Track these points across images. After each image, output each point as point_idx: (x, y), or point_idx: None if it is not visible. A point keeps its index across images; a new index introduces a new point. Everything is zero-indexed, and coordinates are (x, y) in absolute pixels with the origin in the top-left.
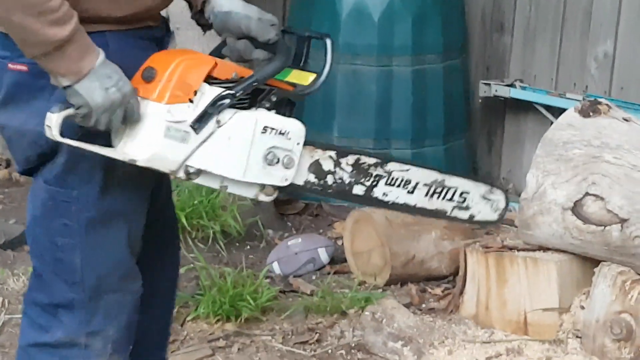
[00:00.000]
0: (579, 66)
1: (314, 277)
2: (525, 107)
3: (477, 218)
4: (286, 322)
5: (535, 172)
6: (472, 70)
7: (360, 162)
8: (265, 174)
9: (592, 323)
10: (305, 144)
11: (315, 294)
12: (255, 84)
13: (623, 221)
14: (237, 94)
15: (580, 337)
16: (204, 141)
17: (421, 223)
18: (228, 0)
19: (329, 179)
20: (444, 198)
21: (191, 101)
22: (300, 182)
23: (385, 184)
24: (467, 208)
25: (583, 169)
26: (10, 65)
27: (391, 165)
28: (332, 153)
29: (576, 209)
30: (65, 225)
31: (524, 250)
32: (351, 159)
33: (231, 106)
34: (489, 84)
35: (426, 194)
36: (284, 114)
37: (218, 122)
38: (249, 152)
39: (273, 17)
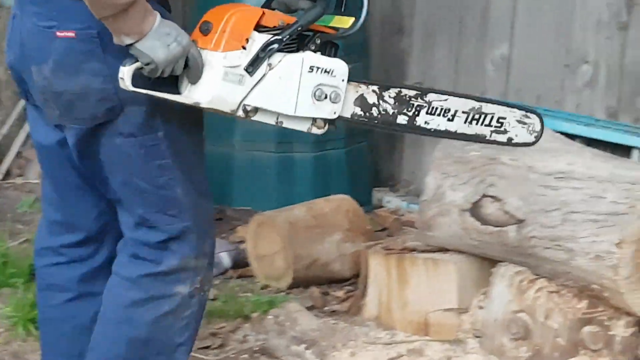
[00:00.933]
0: (476, 68)
1: (216, 282)
2: None
3: (515, 141)
4: None
5: (435, 174)
6: (372, 72)
7: (402, 94)
8: (315, 109)
9: (491, 323)
10: (350, 80)
11: (217, 299)
12: (300, 28)
13: (519, 222)
14: (284, 39)
15: (479, 337)
16: (258, 82)
17: (323, 226)
18: None
19: (374, 111)
20: (482, 124)
21: (244, 48)
22: (347, 114)
23: (427, 113)
24: (504, 132)
25: (481, 171)
26: (58, 33)
27: (430, 96)
28: (375, 87)
29: (474, 210)
30: (160, 166)
31: (424, 251)
32: (393, 92)
33: (280, 50)
34: None
35: (465, 121)
36: (329, 55)
37: (269, 65)
38: (298, 89)
39: None
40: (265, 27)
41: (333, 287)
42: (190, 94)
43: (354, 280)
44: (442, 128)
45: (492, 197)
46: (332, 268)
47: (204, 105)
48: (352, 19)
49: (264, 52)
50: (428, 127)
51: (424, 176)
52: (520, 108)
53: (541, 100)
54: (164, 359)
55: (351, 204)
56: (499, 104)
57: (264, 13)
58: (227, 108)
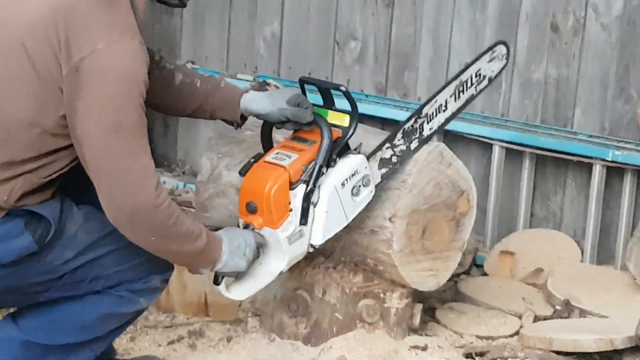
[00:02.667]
0: (248, 47)
1: None
2: None
3: (494, 75)
4: None
5: (210, 154)
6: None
7: (406, 129)
8: (358, 204)
9: (271, 301)
10: (368, 159)
11: None
12: (321, 165)
13: None
14: (315, 183)
15: (259, 315)
16: (312, 224)
17: None
18: (256, 103)
19: (394, 159)
20: (466, 89)
21: (291, 210)
22: (378, 180)
23: (427, 122)
24: (484, 77)
25: (255, 150)
26: None
27: (425, 109)
28: (387, 144)
29: None
30: None
31: None
32: (399, 135)
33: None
34: None
35: (455, 100)
36: (343, 154)
37: (313, 204)
38: (341, 205)
39: (304, 100)
40: (296, 181)
41: None
42: (272, 269)
43: None
44: (442, 120)
45: None
46: None
47: (285, 270)
48: (347, 117)
49: (307, 202)
50: (435, 127)
51: (199, 156)
52: (484, 52)
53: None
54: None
55: None
56: (471, 64)
57: (288, 171)
58: (300, 258)
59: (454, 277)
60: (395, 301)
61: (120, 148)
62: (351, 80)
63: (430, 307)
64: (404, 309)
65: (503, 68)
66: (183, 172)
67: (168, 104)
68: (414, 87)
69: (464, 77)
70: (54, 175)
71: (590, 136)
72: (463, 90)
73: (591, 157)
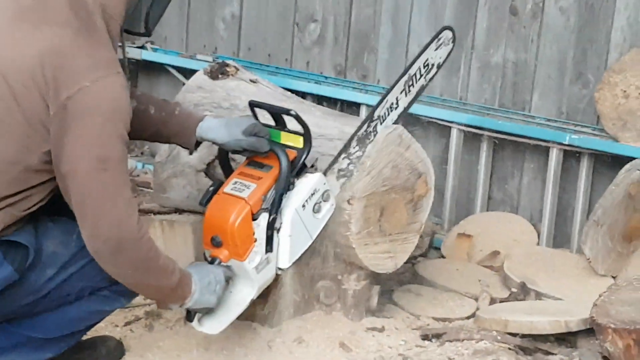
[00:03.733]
0: (208, 27)
1: None
2: (157, 69)
3: (441, 62)
4: None
5: None
6: None
7: (361, 135)
8: (321, 220)
9: None
10: (325, 173)
11: None
12: (282, 194)
13: None
14: (277, 212)
15: None
16: (278, 249)
17: None
18: (212, 132)
19: (351, 167)
20: (416, 82)
21: (255, 240)
22: (337, 191)
23: (381, 123)
24: (432, 65)
25: None
26: None
27: (377, 112)
28: (343, 155)
29: (209, 170)
30: None
31: (160, 213)
32: (354, 142)
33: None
34: (120, 46)
35: (405, 95)
36: (301, 174)
37: (277, 230)
38: (305, 226)
39: (261, 129)
40: (257, 211)
41: None
42: (242, 296)
43: None
44: (395, 117)
45: None
46: None
47: (255, 297)
48: (301, 138)
49: (270, 229)
50: (389, 123)
51: None
52: (430, 41)
53: (272, 58)
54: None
55: None
56: (419, 56)
57: (249, 203)
58: (270, 282)
59: (412, 260)
60: (353, 283)
61: (107, 183)
62: (310, 62)
63: (387, 289)
64: (361, 290)
65: (450, 52)
66: (142, 153)
67: None
68: (374, 69)
69: (412, 70)
70: (34, 208)
71: (548, 120)
72: (413, 84)
73: (548, 141)
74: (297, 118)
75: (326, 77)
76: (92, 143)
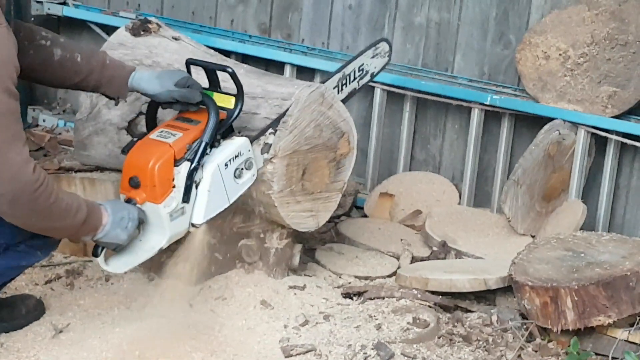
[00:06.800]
0: None
1: None
2: (79, 26)
3: (376, 71)
4: None
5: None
6: None
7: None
8: (241, 186)
9: None
10: (251, 142)
11: None
12: (208, 145)
13: None
14: (200, 161)
15: None
16: (194, 203)
17: None
18: (145, 83)
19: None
20: (349, 84)
21: (174, 187)
22: (261, 164)
23: None
24: (366, 73)
25: None
26: None
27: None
28: (270, 130)
29: (130, 128)
30: None
31: (80, 171)
32: (276, 123)
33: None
34: (41, 2)
35: (338, 92)
36: (227, 136)
37: (196, 183)
38: (224, 185)
39: (193, 82)
40: (180, 158)
41: None
42: (151, 243)
43: None
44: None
45: (144, 113)
46: None
47: (165, 246)
48: (232, 98)
49: (190, 179)
50: None
51: (79, 94)
52: (369, 47)
53: (196, 16)
54: None
55: None
56: (354, 59)
57: (172, 148)
58: (181, 236)
59: (334, 219)
60: (275, 241)
61: None
62: (235, 20)
63: (310, 247)
64: (283, 249)
65: (385, 65)
66: (63, 111)
67: (48, 78)
68: (298, 28)
69: (347, 69)
70: None
71: (470, 80)
72: (345, 84)
73: (470, 101)
74: (233, 76)
75: (250, 36)
76: None
